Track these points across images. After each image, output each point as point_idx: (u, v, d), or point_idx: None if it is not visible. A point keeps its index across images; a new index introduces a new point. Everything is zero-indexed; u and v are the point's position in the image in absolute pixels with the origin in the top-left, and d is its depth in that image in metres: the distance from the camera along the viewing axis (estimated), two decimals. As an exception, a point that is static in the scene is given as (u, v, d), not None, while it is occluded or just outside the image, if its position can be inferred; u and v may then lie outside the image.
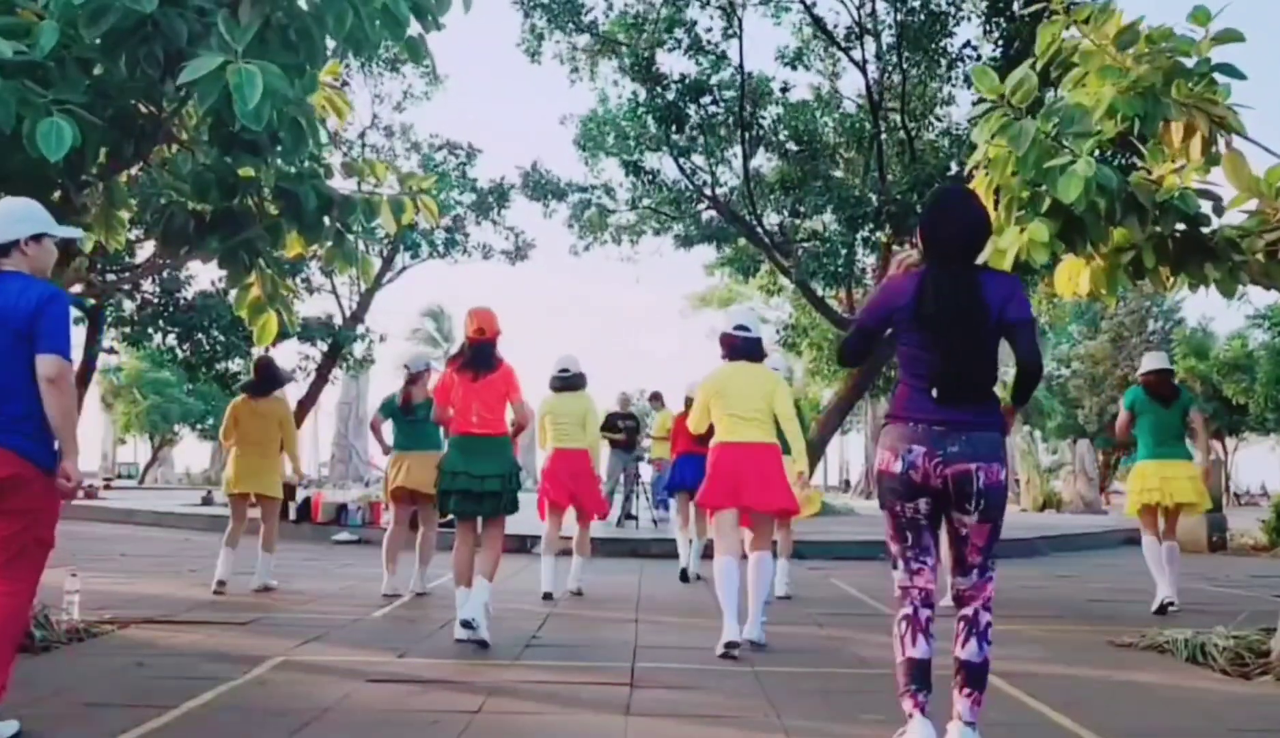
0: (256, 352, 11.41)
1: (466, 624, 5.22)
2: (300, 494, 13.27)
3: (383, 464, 7.95)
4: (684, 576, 8.56)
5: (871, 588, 7.97)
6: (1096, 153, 4.54)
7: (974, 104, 5.08)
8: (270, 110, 4.05)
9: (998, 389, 3.43)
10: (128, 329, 15.34)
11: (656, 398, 14.76)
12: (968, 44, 15.61)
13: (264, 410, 7.68)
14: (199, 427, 40.56)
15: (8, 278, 3.40)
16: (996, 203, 4.90)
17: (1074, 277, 5.37)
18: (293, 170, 5.76)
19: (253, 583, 7.45)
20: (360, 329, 17.91)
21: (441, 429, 7.42)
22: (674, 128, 16.46)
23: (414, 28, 4.82)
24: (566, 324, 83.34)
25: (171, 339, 15.54)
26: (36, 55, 4.11)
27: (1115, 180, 4.48)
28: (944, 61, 16.03)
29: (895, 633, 3.35)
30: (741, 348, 5.70)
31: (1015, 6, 14.12)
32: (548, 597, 7.23)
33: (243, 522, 7.63)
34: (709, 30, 16.79)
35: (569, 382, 7.68)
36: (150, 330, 15.32)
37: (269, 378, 7.86)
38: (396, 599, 7.09)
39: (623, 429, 13.30)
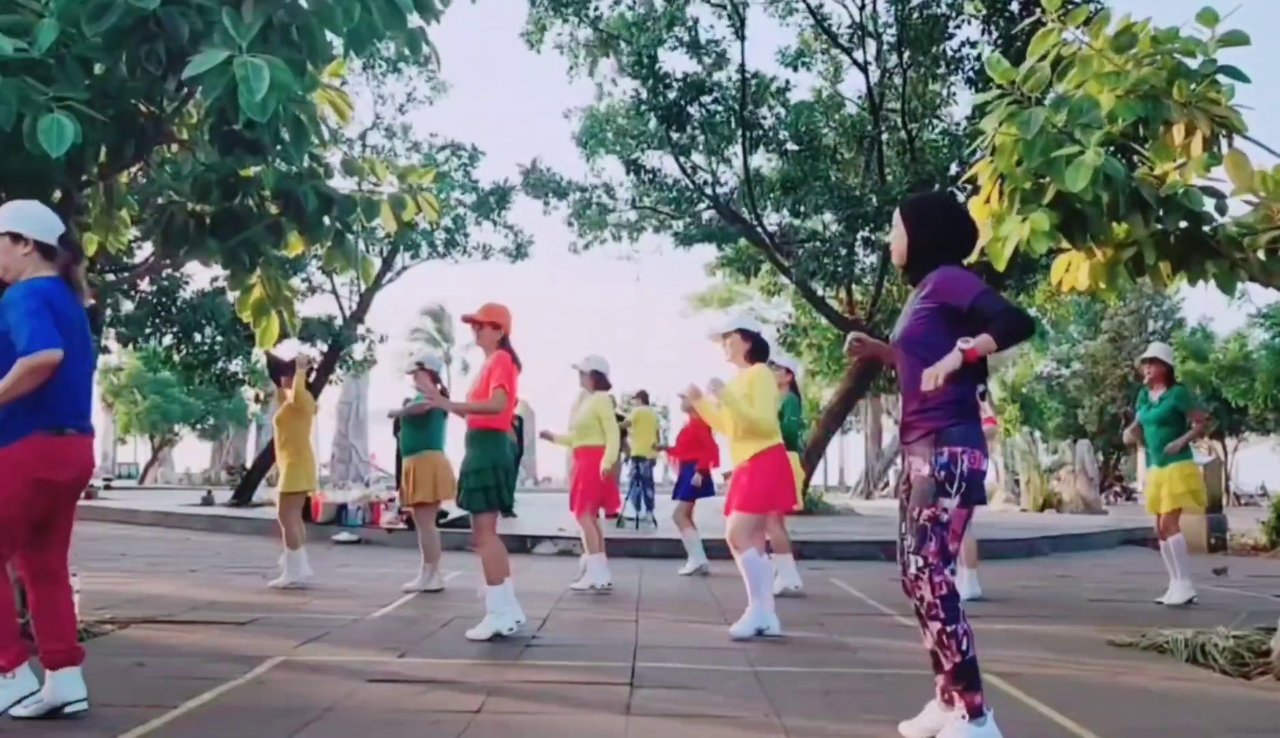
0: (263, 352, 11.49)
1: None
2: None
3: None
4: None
5: (872, 588, 7.97)
6: (1104, 147, 4.53)
7: (975, 100, 5.08)
8: (276, 105, 4.04)
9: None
10: (125, 329, 15.29)
11: (641, 397, 14.78)
12: (967, 42, 15.60)
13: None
14: (199, 427, 40.58)
15: None
16: (1001, 192, 4.90)
17: (1072, 270, 5.37)
18: (293, 170, 5.75)
19: (287, 580, 7.62)
20: (361, 330, 17.87)
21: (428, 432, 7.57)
22: (675, 127, 16.45)
23: (414, 20, 4.82)
24: (566, 323, 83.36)
25: (169, 339, 15.48)
26: (36, 53, 4.10)
27: (1122, 173, 4.48)
28: (944, 62, 16.03)
29: (961, 630, 3.26)
30: (766, 352, 5.96)
31: (1014, 6, 14.13)
32: (607, 588, 7.59)
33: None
34: (711, 28, 16.82)
35: (604, 381, 7.91)
36: (148, 330, 15.26)
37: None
38: (411, 594, 7.29)
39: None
